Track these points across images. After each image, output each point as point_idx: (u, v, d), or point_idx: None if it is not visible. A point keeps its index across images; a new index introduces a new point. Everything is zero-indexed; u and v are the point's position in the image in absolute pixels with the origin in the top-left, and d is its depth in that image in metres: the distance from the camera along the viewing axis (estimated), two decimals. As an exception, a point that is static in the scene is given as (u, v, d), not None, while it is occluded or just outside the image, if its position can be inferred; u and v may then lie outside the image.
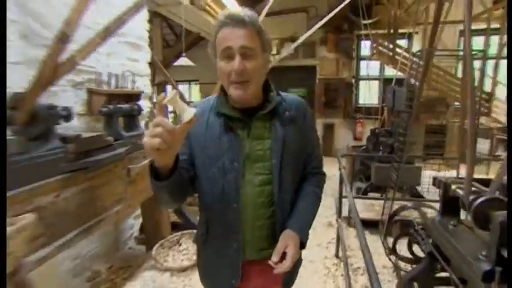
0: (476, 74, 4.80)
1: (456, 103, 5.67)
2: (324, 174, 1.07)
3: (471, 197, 1.29)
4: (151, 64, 3.17)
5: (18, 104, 1.26)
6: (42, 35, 1.69)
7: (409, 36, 5.87)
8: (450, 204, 1.51)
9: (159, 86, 5.31)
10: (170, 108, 0.77)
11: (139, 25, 2.77)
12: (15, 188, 1.19)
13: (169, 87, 6.29)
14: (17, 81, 1.45)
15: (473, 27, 5.67)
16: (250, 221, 0.89)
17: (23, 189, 1.23)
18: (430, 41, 2.00)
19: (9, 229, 0.88)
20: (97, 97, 2.15)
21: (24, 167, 1.24)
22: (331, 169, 3.38)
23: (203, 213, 0.97)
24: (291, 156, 0.91)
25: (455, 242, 1.38)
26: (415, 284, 1.72)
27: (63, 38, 1.18)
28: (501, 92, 5.26)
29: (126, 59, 2.59)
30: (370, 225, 2.75)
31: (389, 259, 2.20)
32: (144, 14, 2.84)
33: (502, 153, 5.43)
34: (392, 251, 2.17)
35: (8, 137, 1.27)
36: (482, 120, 5.42)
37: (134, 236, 2.81)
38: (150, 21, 3.36)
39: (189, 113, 0.65)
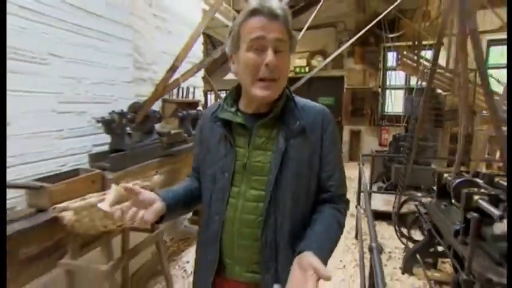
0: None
1: (484, 112, 5.78)
2: (347, 201, 0.86)
3: (453, 181, 1.75)
4: (203, 78, 3.86)
5: (137, 109, 1.93)
6: (141, 62, 2.40)
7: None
8: (443, 190, 1.96)
9: (205, 94, 6.09)
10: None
11: (197, 47, 3.48)
12: (137, 164, 1.86)
13: (210, 98, 7.09)
14: (130, 92, 2.15)
15: (497, 36, 5.82)
16: (236, 238, 0.78)
17: (140, 165, 1.89)
18: (433, 59, 2.44)
19: (148, 183, 1.50)
20: (169, 105, 2.84)
21: (141, 151, 1.90)
22: (355, 172, 3.81)
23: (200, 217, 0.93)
24: (294, 175, 0.76)
25: (443, 216, 1.84)
26: (417, 255, 2.17)
27: (173, 68, 1.83)
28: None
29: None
30: (388, 216, 3.15)
31: (401, 241, 2.63)
32: (200, 38, 3.54)
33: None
34: (402, 234, 2.61)
35: (128, 131, 1.94)
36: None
37: (187, 218, 3.47)
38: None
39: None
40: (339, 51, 3.95)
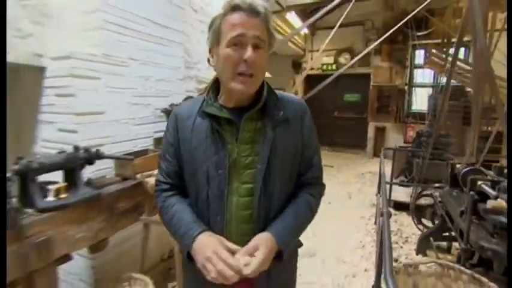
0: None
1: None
2: (322, 185, 0.92)
3: (462, 170, 2.00)
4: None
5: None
6: (189, 61, 2.81)
7: (466, 45, 6.06)
8: (455, 179, 2.19)
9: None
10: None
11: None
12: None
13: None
14: (181, 88, 2.56)
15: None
16: (234, 237, 0.78)
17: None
18: (453, 57, 2.63)
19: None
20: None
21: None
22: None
23: None
24: (281, 163, 0.79)
25: (454, 202, 2.08)
26: (431, 238, 2.41)
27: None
28: None
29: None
30: (408, 207, 3.37)
31: (417, 227, 2.86)
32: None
33: None
34: (419, 221, 2.84)
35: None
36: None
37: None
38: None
39: None
40: (368, 49, 4.10)
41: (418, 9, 3.98)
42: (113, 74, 1.90)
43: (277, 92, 0.86)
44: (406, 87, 6.83)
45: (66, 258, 1.36)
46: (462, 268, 1.18)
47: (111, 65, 1.88)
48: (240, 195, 0.79)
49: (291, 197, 0.85)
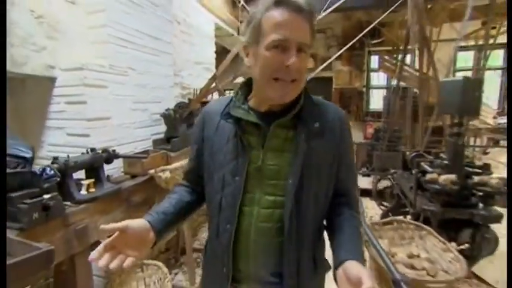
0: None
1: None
2: (360, 214, 0.85)
3: (410, 155, 2.51)
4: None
5: (183, 107, 2.58)
6: (175, 69, 3.05)
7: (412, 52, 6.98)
8: (405, 164, 2.71)
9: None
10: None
11: (211, 55, 4.13)
12: (186, 147, 2.51)
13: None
14: (171, 94, 2.80)
15: (462, 44, 6.69)
16: (252, 249, 0.73)
17: (186, 149, 2.55)
18: (400, 63, 3.19)
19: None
20: (193, 103, 3.49)
21: (187, 138, 2.56)
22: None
23: (208, 225, 0.87)
24: (315, 178, 0.73)
25: (406, 182, 2.59)
26: (390, 214, 2.92)
27: (214, 78, 2.49)
28: (485, 98, 6.26)
29: (206, 79, 3.94)
30: (371, 193, 3.92)
31: (379, 207, 3.39)
32: (213, 47, 4.19)
33: (490, 149, 6.37)
34: (379, 203, 3.37)
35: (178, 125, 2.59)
36: (475, 122, 6.39)
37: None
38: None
39: None
40: (335, 56, 4.66)
41: (374, 24, 4.59)
42: (117, 83, 2.11)
43: (314, 98, 0.79)
44: (364, 89, 7.61)
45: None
46: (410, 221, 1.63)
47: (115, 75, 2.09)
48: (261, 206, 0.72)
49: (330, 217, 0.79)
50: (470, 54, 6.58)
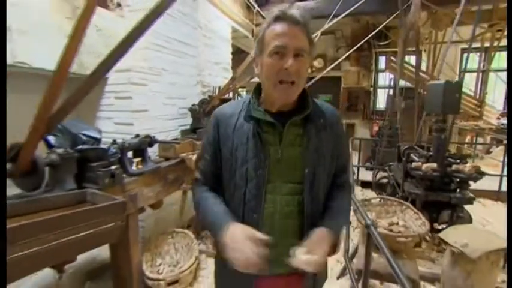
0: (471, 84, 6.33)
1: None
2: (350, 185, 1.00)
3: (403, 148, 2.85)
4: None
5: (205, 103, 2.99)
6: (197, 69, 3.47)
7: (419, 53, 7.21)
8: (400, 157, 3.05)
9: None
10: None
11: (228, 55, 4.53)
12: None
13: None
14: (194, 91, 3.22)
15: (466, 46, 6.89)
16: (278, 232, 0.83)
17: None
18: (400, 63, 3.52)
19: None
20: (214, 99, 3.91)
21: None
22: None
23: None
24: (324, 167, 0.86)
25: (398, 171, 2.93)
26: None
27: (233, 78, 2.90)
28: (489, 99, 6.47)
29: (223, 78, 4.35)
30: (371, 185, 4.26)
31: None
32: (229, 48, 4.59)
33: (492, 149, 6.58)
34: (378, 193, 3.71)
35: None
36: (479, 123, 6.60)
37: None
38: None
39: None
40: (343, 57, 4.97)
41: (379, 28, 4.89)
42: (154, 82, 2.54)
43: (313, 99, 0.90)
44: (371, 89, 7.89)
45: (143, 209, 2.01)
46: (394, 198, 2.00)
47: (153, 75, 2.52)
48: (282, 193, 0.83)
49: (328, 195, 0.91)
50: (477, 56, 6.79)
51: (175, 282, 1.99)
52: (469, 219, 2.12)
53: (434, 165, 2.18)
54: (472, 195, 2.14)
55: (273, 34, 0.77)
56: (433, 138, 2.36)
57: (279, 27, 0.77)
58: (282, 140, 0.83)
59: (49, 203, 1.36)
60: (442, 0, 4.40)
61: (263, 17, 5.32)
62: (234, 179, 0.85)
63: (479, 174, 2.14)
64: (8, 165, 1.24)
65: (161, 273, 2.05)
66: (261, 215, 0.82)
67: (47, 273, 2.09)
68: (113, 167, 1.70)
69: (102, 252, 2.48)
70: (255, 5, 5.01)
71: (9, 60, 1.65)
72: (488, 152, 6.56)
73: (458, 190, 2.24)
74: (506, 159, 2.66)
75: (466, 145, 6.62)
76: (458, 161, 2.32)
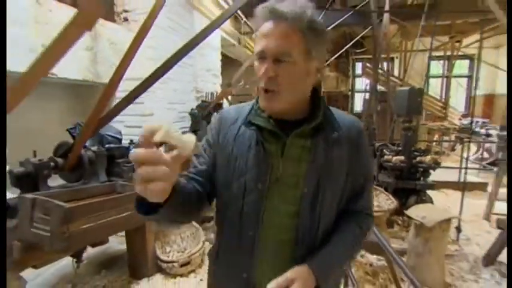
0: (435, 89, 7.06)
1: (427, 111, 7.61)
2: (371, 217, 0.82)
3: (378, 145, 3.30)
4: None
5: (203, 107, 3.31)
6: (194, 80, 3.78)
7: (391, 60, 7.90)
8: (375, 152, 3.50)
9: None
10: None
11: (218, 63, 4.87)
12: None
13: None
14: (190, 97, 3.53)
15: (432, 54, 7.61)
16: (270, 257, 0.73)
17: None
18: (373, 69, 4.00)
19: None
20: (211, 104, 4.22)
21: (204, 131, 3.29)
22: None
23: (218, 231, 0.83)
24: (331, 188, 0.72)
25: (374, 166, 3.36)
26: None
27: (228, 85, 3.23)
28: (452, 102, 7.23)
29: (213, 84, 4.67)
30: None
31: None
32: (219, 56, 4.93)
33: (457, 146, 7.31)
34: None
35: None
36: (444, 123, 7.32)
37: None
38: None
39: (190, 143, 0.51)
40: (326, 63, 5.45)
41: (357, 38, 5.42)
42: (159, 89, 2.83)
43: (332, 108, 0.78)
44: (349, 93, 8.49)
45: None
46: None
47: (159, 83, 2.80)
48: (279, 215, 0.72)
49: (337, 221, 0.77)
50: (440, 63, 7.54)
51: (187, 264, 2.28)
52: (430, 202, 2.57)
53: (402, 157, 2.62)
54: (433, 182, 2.60)
55: (259, 35, 0.66)
56: (401, 136, 2.81)
57: (265, 26, 0.65)
58: (283, 153, 0.72)
59: (88, 192, 1.64)
60: (407, 16, 4.98)
61: (250, 27, 5.72)
62: (229, 191, 0.74)
63: (436, 164, 2.61)
64: (59, 160, 1.51)
65: (173, 257, 2.34)
66: (257, 233, 0.72)
67: (66, 264, 2.31)
68: (135, 163, 1.99)
69: (112, 245, 2.73)
70: (243, 16, 5.38)
71: (43, 71, 1.90)
72: (453, 149, 7.27)
73: (421, 178, 2.69)
74: (463, 154, 3.15)
75: (434, 143, 7.30)
76: (421, 154, 2.78)
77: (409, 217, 2.12)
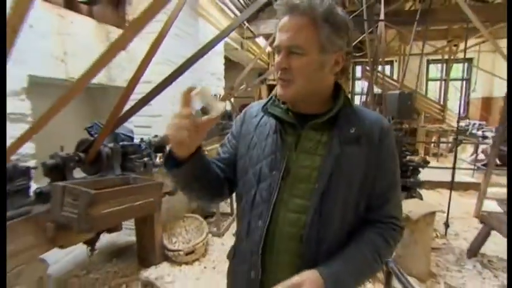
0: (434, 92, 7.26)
1: (426, 114, 7.75)
2: (400, 228, 0.75)
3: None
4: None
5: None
6: (198, 83, 3.99)
7: (391, 63, 8.08)
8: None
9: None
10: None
11: (221, 66, 5.08)
12: (212, 138, 3.43)
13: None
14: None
15: (431, 57, 7.76)
16: (277, 252, 0.71)
17: (212, 139, 3.48)
18: (371, 72, 4.19)
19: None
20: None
21: (213, 130, 3.50)
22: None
23: (237, 227, 0.84)
24: (345, 185, 0.68)
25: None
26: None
27: (231, 88, 3.43)
28: (450, 104, 7.38)
29: (216, 86, 4.88)
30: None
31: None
32: (222, 60, 5.14)
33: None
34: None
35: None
36: (443, 125, 7.46)
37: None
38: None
39: (219, 108, 0.61)
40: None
41: (355, 43, 5.58)
42: (166, 91, 3.03)
43: (355, 105, 0.76)
44: (349, 95, 8.68)
45: (164, 195, 2.49)
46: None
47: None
48: (289, 209, 0.70)
49: (356, 233, 0.72)
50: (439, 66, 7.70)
51: (191, 252, 2.47)
52: (420, 199, 2.73)
53: (393, 156, 2.79)
54: (422, 180, 2.76)
55: (277, 30, 0.69)
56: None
57: (280, 23, 0.68)
58: (297, 145, 0.72)
59: (106, 183, 1.84)
60: (401, 22, 5.16)
61: (251, 32, 5.93)
62: (245, 179, 0.77)
63: (425, 163, 2.77)
64: (81, 155, 1.71)
65: (179, 247, 2.53)
66: (266, 224, 0.71)
67: (80, 252, 2.52)
68: (145, 159, 2.19)
69: (121, 237, 2.93)
70: (245, 21, 5.59)
71: (65, 76, 2.12)
72: (450, 151, 7.41)
73: (412, 176, 2.86)
74: (454, 155, 3.29)
75: (432, 144, 7.45)
76: (411, 154, 2.95)
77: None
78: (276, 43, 0.69)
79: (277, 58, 0.69)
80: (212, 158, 0.83)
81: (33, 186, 1.47)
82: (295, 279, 0.62)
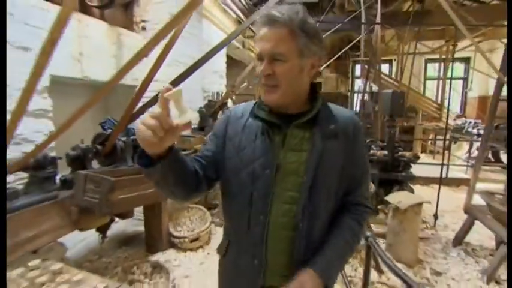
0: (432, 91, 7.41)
1: (423, 112, 7.90)
2: (369, 208, 0.89)
3: (366, 141, 3.64)
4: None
5: (211, 106, 3.68)
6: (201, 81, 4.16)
7: (390, 62, 8.21)
8: (368, 145, 3.84)
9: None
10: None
11: (223, 65, 5.24)
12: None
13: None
14: (199, 95, 3.90)
15: (429, 56, 7.89)
16: (272, 241, 0.80)
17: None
18: (367, 71, 4.34)
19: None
20: (217, 104, 4.59)
21: (211, 128, 3.67)
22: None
23: (228, 222, 0.91)
24: (328, 176, 0.79)
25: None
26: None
27: (232, 87, 3.60)
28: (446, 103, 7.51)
29: (219, 84, 5.04)
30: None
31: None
32: (224, 59, 5.30)
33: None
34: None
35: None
36: (439, 123, 7.61)
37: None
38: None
39: (187, 116, 0.61)
40: (325, 65, 5.80)
41: (353, 43, 5.75)
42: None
43: (330, 105, 0.85)
44: (348, 93, 8.82)
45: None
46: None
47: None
48: (281, 201, 0.78)
49: (335, 215, 0.84)
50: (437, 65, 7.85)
51: (196, 239, 2.66)
52: (411, 192, 2.91)
53: (385, 152, 2.96)
54: (413, 174, 2.94)
55: (257, 39, 0.76)
56: (385, 132, 3.15)
57: (260, 32, 0.75)
58: (284, 143, 0.80)
59: (119, 173, 2.02)
60: (397, 23, 5.30)
61: (252, 31, 6.10)
62: (238, 179, 0.82)
63: (415, 158, 2.94)
64: (99, 147, 1.89)
65: (184, 234, 2.72)
66: (267, 218, 0.79)
67: (93, 240, 2.70)
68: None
69: (129, 227, 3.12)
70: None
71: (80, 75, 2.29)
72: (447, 149, 7.57)
73: (403, 171, 3.03)
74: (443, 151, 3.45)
75: (429, 142, 7.61)
76: (403, 149, 3.12)
77: (388, 202, 2.48)
78: (258, 51, 0.76)
79: (260, 66, 0.76)
80: (195, 155, 0.88)
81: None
82: (296, 283, 0.74)
